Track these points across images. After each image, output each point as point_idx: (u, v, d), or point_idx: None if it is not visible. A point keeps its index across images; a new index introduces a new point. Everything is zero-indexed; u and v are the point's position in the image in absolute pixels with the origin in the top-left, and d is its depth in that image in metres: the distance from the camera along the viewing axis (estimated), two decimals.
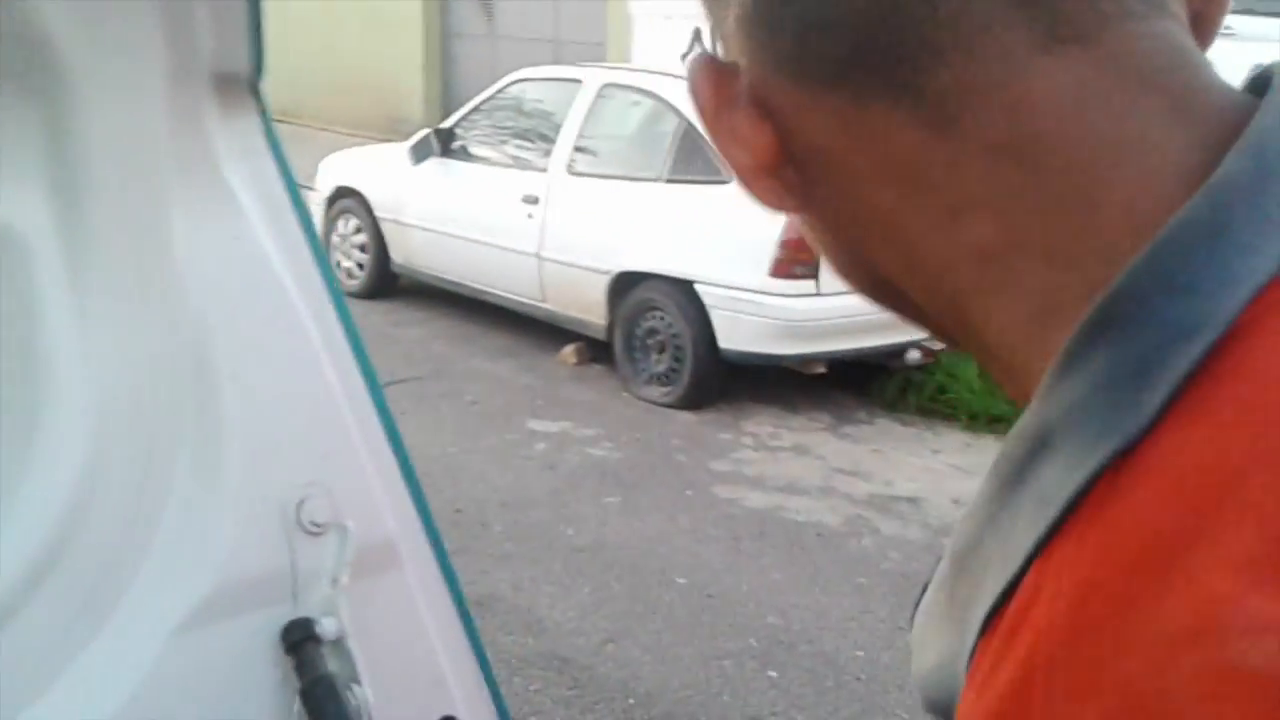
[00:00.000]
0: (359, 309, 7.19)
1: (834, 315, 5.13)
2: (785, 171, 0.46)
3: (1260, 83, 0.43)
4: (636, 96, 5.94)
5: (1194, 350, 0.37)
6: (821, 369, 5.46)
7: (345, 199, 7.39)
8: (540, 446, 5.09)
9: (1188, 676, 0.32)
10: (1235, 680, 0.31)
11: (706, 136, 0.48)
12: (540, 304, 6.19)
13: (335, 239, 7.49)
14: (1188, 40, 0.43)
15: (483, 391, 5.77)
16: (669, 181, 5.54)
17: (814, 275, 5.11)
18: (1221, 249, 0.38)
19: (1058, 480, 0.38)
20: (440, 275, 6.86)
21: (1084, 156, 0.41)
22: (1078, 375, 0.39)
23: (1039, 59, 0.41)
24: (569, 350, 6.16)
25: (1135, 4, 0.41)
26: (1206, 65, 0.43)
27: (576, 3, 12.58)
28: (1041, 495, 0.38)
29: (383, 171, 7.16)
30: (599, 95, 6.04)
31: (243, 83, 1.02)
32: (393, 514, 1.10)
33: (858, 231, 0.46)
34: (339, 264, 7.47)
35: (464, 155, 6.68)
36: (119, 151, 0.92)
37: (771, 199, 0.47)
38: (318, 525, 1.02)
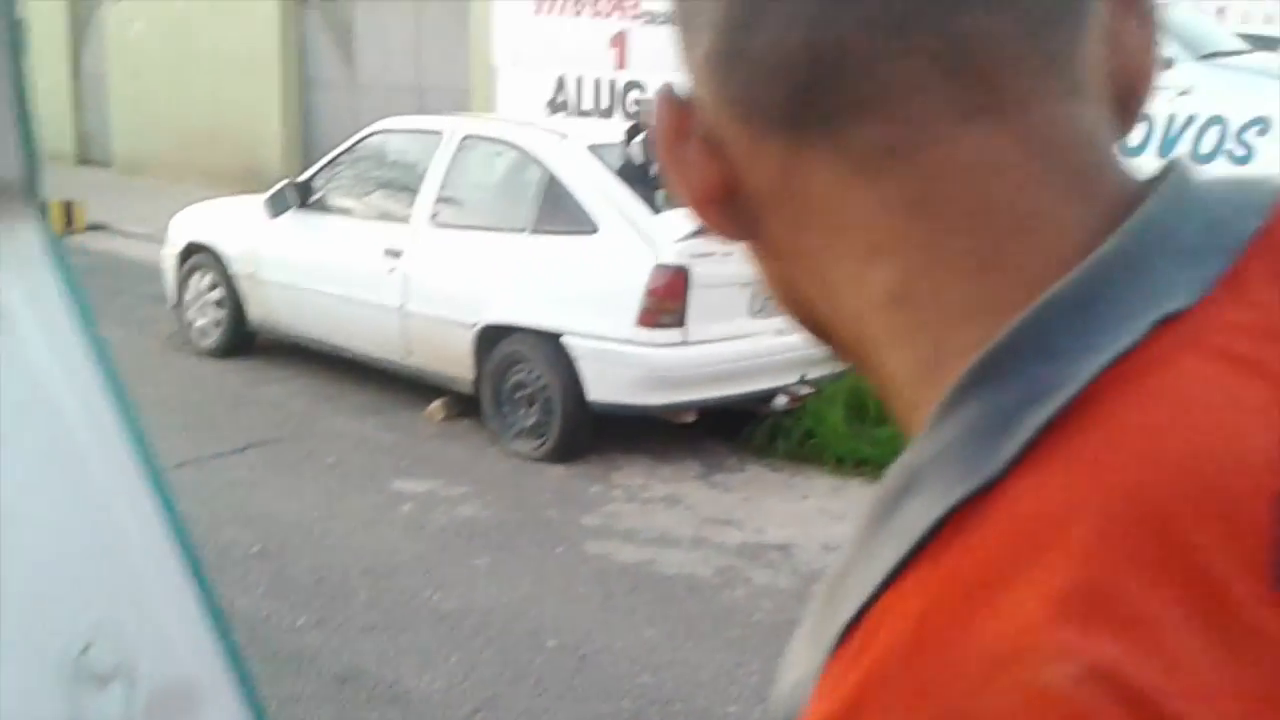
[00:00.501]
0: (215, 369, 6.97)
1: (701, 364, 5.13)
2: (731, 204, 0.49)
3: (1163, 173, 0.46)
4: (499, 147, 5.88)
5: (1048, 408, 0.41)
6: (691, 417, 5.44)
7: (198, 255, 7.15)
8: (406, 508, 4.95)
9: (1001, 696, 0.36)
10: (1040, 701, 0.35)
11: (661, 164, 0.51)
12: (405, 359, 6.05)
13: (189, 297, 7.23)
14: (1100, 125, 0.46)
15: (345, 452, 5.60)
16: (534, 232, 5.48)
17: (680, 324, 5.11)
18: (1088, 320, 0.42)
19: (917, 516, 0.41)
20: (300, 332, 6.67)
21: (989, 222, 0.44)
22: (951, 422, 0.43)
23: (961, 126, 0.44)
24: (436, 405, 6.03)
25: (1054, 85, 0.44)
26: (1112, 150, 0.46)
27: (439, 50, 12.50)
28: (903, 529, 0.42)
29: (238, 226, 6.94)
30: (461, 146, 5.96)
31: (13, 190, 0.91)
32: (192, 652, 1.00)
33: (792, 268, 0.49)
34: (193, 322, 7.21)
35: (323, 208, 6.52)
36: None
37: (717, 228, 0.50)
38: (104, 673, 0.91)
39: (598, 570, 4.37)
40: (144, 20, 15.58)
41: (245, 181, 12.23)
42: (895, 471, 0.44)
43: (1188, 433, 0.40)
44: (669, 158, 0.50)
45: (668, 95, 0.50)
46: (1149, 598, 0.37)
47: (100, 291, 9.03)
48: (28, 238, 0.93)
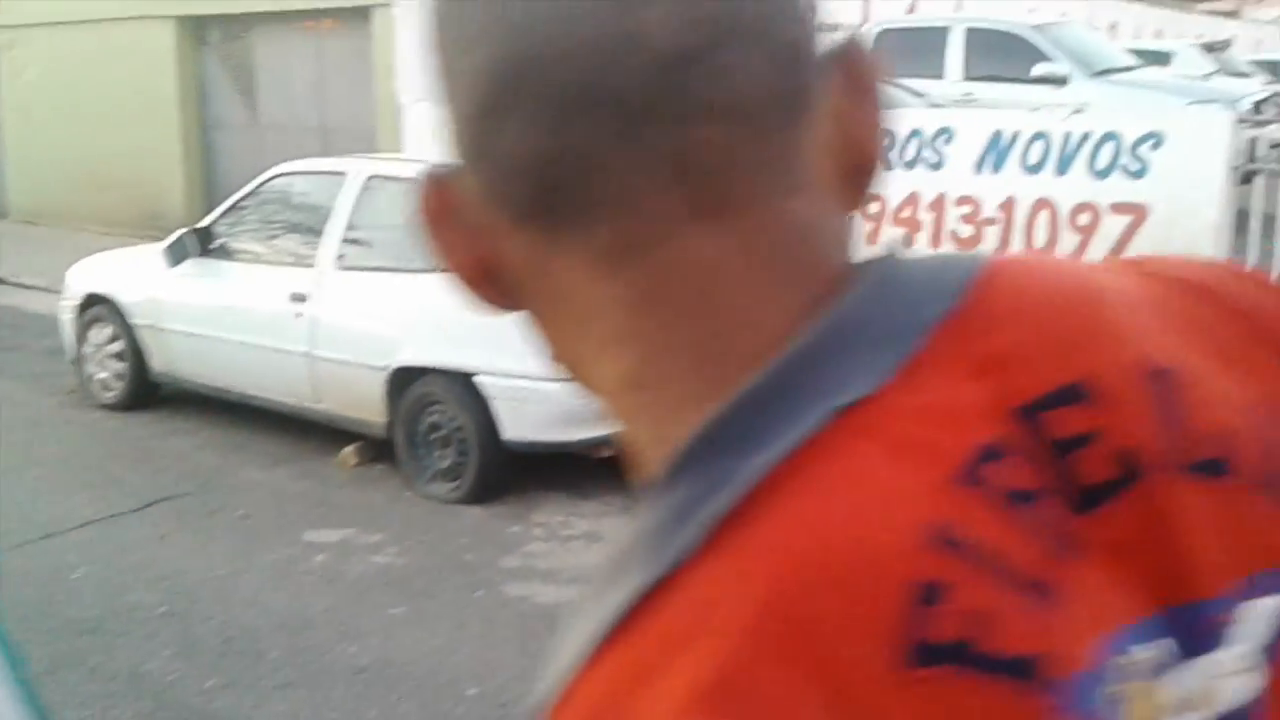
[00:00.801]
0: (117, 423, 6.75)
1: None
2: (495, 280, 0.51)
3: (872, 260, 0.49)
4: (403, 187, 5.79)
5: (723, 501, 0.44)
6: (610, 451, 5.38)
7: (97, 306, 6.93)
8: (319, 559, 4.81)
9: None
10: None
11: (425, 240, 0.52)
12: (315, 405, 5.91)
13: (89, 350, 7.01)
14: (822, 215, 0.49)
15: (255, 504, 5.44)
16: (444, 271, 5.39)
17: None
18: (769, 413, 0.45)
19: (616, 599, 0.44)
20: (205, 381, 6.49)
21: (710, 317, 0.48)
22: (654, 508, 0.46)
23: (689, 226, 0.47)
24: (348, 451, 5.90)
25: (776, 184, 0.47)
26: (833, 238, 0.49)
27: (342, 88, 12.36)
28: (604, 609, 0.44)
29: (137, 275, 6.75)
30: (365, 187, 5.86)
31: None
32: None
33: (554, 340, 0.52)
34: (94, 375, 6.99)
35: (225, 254, 6.36)
36: None
37: (484, 301, 0.53)
38: None
39: (517, 614, 4.28)
40: (37, 66, 15.20)
41: (147, 228, 11.95)
42: (616, 546, 0.47)
43: (834, 524, 0.43)
44: (434, 235, 0.52)
45: (432, 174, 0.52)
46: (787, 688, 0.40)
47: None
48: None
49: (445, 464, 5.38)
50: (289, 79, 12.85)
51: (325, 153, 11.50)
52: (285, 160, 6.67)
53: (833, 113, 0.49)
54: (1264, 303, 0.55)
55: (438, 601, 4.38)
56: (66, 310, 7.21)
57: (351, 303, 5.69)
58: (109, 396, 6.94)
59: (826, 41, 0.50)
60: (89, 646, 4.01)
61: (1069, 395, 0.47)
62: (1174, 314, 0.52)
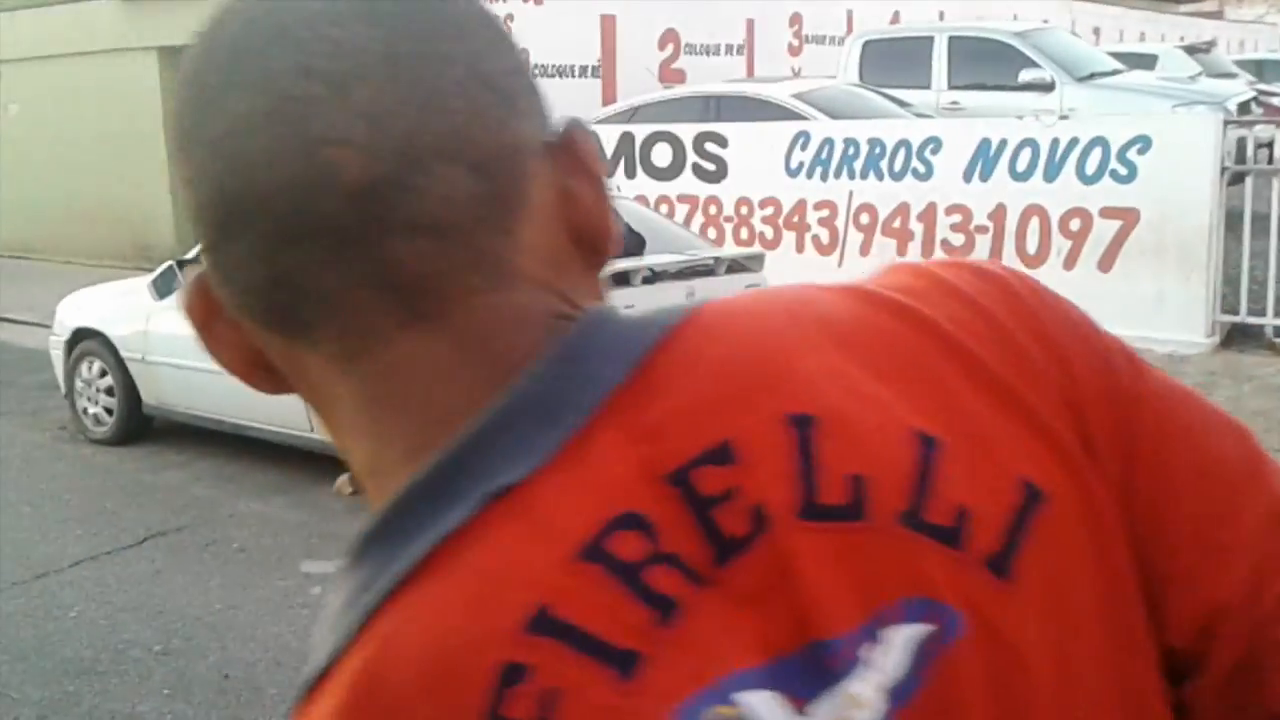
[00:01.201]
0: (110, 457, 6.70)
1: None
2: (265, 368, 0.55)
3: (567, 332, 0.53)
4: None
5: (377, 588, 0.48)
6: None
7: (87, 340, 6.90)
8: (316, 590, 4.76)
9: None
10: None
11: (197, 338, 0.56)
12: (308, 433, 5.87)
13: (79, 384, 6.97)
14: (535, 300, 0.52)
15: (251, 536, 5.39)
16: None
17: None
18: (432, 500, 0.49)
19: (316, 662, 0.50)
20: (197, 413, 6.45)
21: (420, 414, 0.51)
22: (342, 586, 0.51)
23: (399, 333, 0.51)
24: (344, 479, 5.85)
25: (483, 282, 0.51)
26: (541, 322, 0.52)
27: None
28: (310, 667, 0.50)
29: (125, 308, 6.72)
30: None
31: None
32: None
33: (325, 427, 0.56)
34: (85, 410, 6.95)
35: None
36: None
37: (262, 388, 0.56)
38: None
39: None
40: (20, 102, 15.20)
41: (137, 259, 11.94)
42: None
43: (446, 611, 0.47)
44: (203, 334, 0.56)
45: (198, 279, 0.55)
46: None
47: None
48: None
49: None
50: None
51: None
52: None
53: (558, 194, 0.53)
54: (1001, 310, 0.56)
55: None
56: (56, 345, 7.17)
57: None
58: (101, 431, 6.90)
59: (539, 131, 0.53)
60: (84, 688, 3.95)
61: (715, 455, 0.49)
62: (866, 342, 0.54)
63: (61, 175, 14.56)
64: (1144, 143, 6.85)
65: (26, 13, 14.75)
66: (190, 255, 6.49)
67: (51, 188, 14.76)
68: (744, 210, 8.63)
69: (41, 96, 14.78)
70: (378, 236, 0.49)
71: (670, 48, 13.82)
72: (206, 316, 0.55)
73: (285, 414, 5.88)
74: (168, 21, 12.97)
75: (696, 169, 8.84)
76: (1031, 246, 7.23)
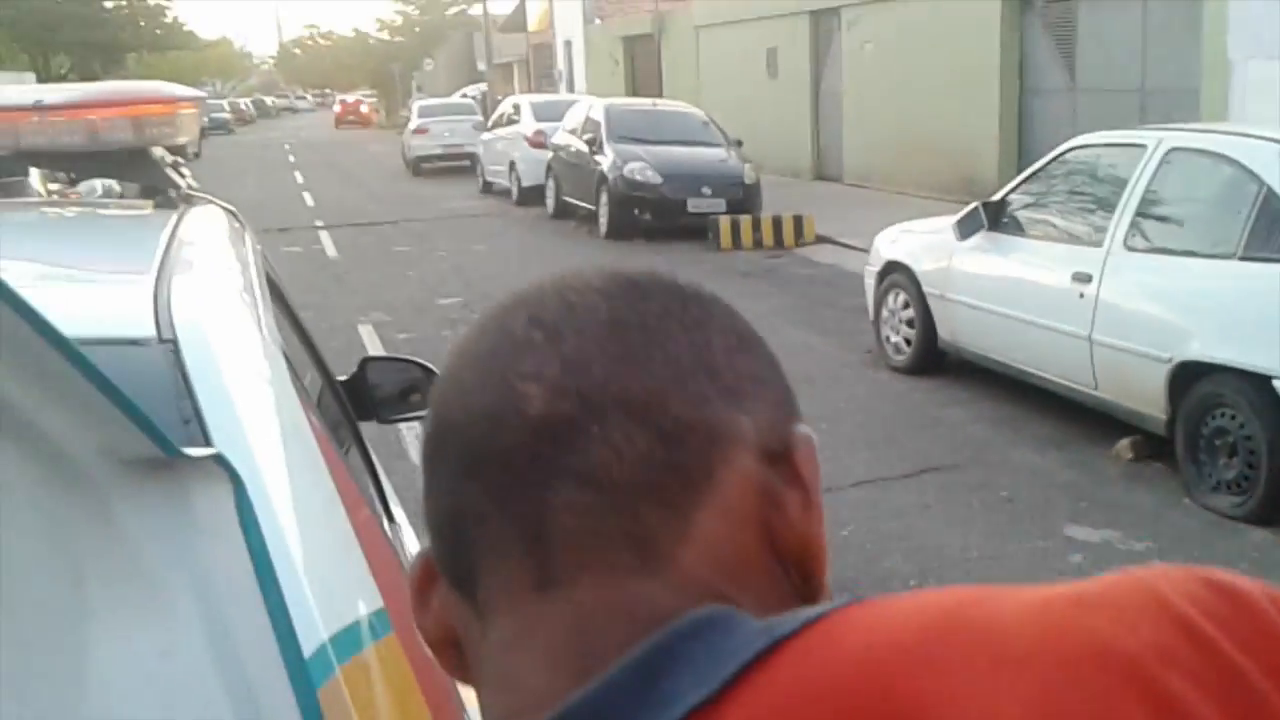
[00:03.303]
0: (904, 386, 7.08)
1: None
2: (457, 649, 0.56)
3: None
4: (1208, 160, 5.23)
5: None
6: None
7: (894, 273, 7.31)
8: (1076, 558, 4.60)
9: None
10: None
11: (413, 610, 0.58)
12: (1092, 391, 5.64)
13: (885, 313, 7.43)
14: (667, 599, 0.50)
15: (1020, 486, 5.35)
16: (1243, 259, 4.79)
17: None
18: None
19: None
20: (986, 354, 6.52)
21: (512, 694, 0.51)
22: None
23: (529, 596, 0.51)
24: (1124, 444, 5.54)
25: (626, 558, 0.50)
26: (642, 625, 0.49)
27: (1166, 48, 11.48)
28: None
29: (932, 245, 6.98)
30: (1164, 161, 5.40)
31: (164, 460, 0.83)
32: None
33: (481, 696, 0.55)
34: (888, 338, 7.40)
35: (1013, 228, 6.31)
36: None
37: (448, 668, 0.58)
38: None
39: None
40: (875, 40, 16.35)
41: (963, 194, 12.30)
42: None
43: None
44: (417, 603, 0.57)
45: (423, 550, 0.57)
46: None
47: (814, 302, 9.66)
48: (205, 509, 0.83)
49: (1230, 475, 4.81)
50: (1111, 40, 12.28)
51: (1144, 118, 10.85)
52: (1101, 126, 6.42)
53: (761, 496, 0.52)
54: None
55: None
56: (869, 274, 7.70)
57: (1138, 286, 5.30)
58: (899, 360, 7.29)
59: (760, 429, 0.53)
60: None
61: None
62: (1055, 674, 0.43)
63: (903, 110, 15.48)
64: None
65: None
66: (995, 198, 6.53)
67: (894, 122, 15.78)
68: None
69: (892, 35, 15.78)
70: (544, 478, 0.50)
71: None
72: (424, 583, 0.57)
73: (1071, 367, 5.71)
74: None
75: None
76: None
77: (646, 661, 0.48)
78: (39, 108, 1.68)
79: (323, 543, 1.00)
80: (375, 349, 8.21)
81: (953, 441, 6.03)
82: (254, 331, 1.16)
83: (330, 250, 13.46)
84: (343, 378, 2.56)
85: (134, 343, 1.01)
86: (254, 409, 1.02)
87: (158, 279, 1.15)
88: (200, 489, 0.82)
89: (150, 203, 1.71)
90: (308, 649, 0.83)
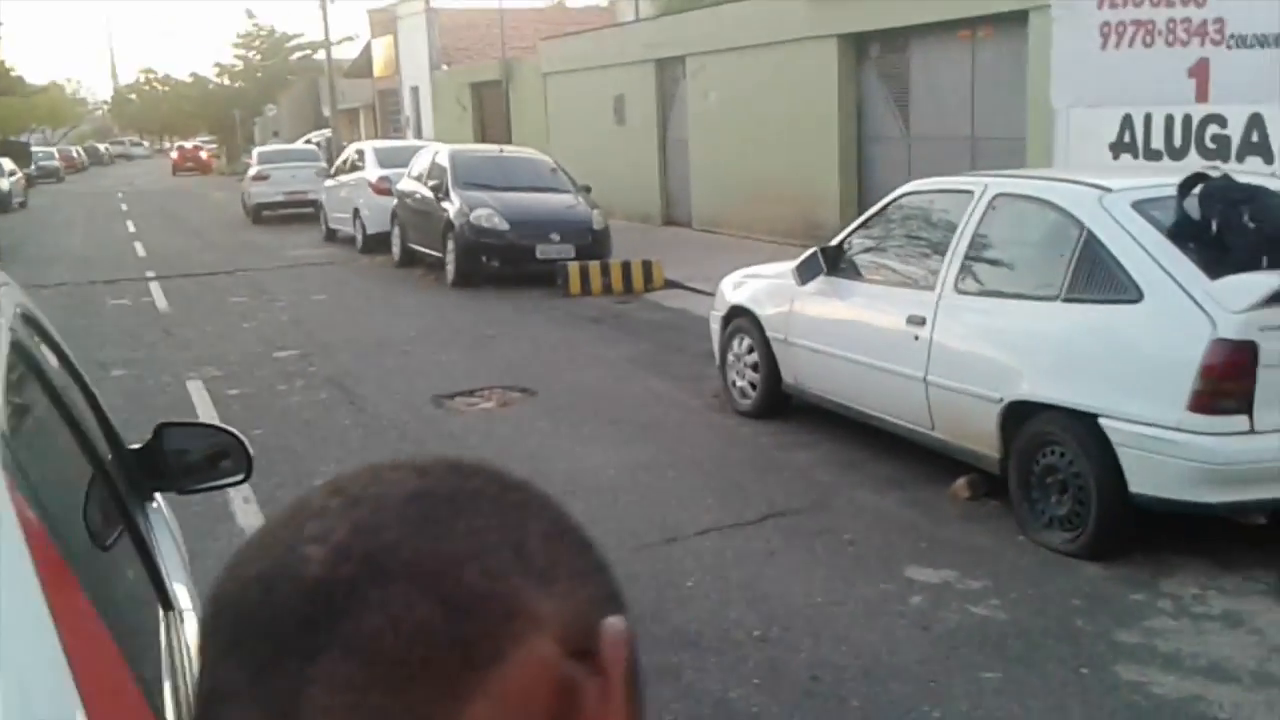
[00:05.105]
0: (749, 430, 7.07)
1: (1273, 458, 4.26)
2: None
3: None
4: (1032, 206, 5.37)
5: None
6: (1261, 519, 4.55)
7: (739, 318, 7.33)
8: (916, 600, 4.60)
9: None
10: None
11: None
12: (928, 431, 5.70)
13: (730, 358, 7.44)
14: None
15: (862, 529, 5.36)
16: (1067, 300, 4.91)
17: (1244, 410, 4.29)
18: None
19: None
20: (828, 397, 6.57)
21: None
22: None
23: None
24: (961, 483, 5.61)
25: None
26: None
27: (994, 98, 11.97)
28: None
29: (774, 290, 7.02)
30: (991, 206, 5.53)
31: None
32: None
33: None
34: (734, 383, 7.40)
35: (851, 273, 6.39)
36: None
37: None
38: None
39: (1128, 703, 3.74)
40: (719, 88, 16.60)
41: (807, 238, 12.51)
42: None
43: None
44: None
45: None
46: None
47: (662, 347, 9.63)
48: None
49: (1061, 511, 4.90)
50: (941, 90, 12.73)
51: (974, 164, 11.24)
52: (934, 172, 6.56)
53: (556, 685, 0.48)
54: None
55: (1036, 672, 3.96)
56: (715, 319, 7.71)
57: (969, 328, 5.40)
58: (745, 404, 7.29)
59: (568, 615, 0.49)
60: (686, 662, 4.15)
61: None
62: None
63: (747, 157, 15.74)
64: None
65: (729, 7, 16.06)
66: (833, 243, 6.60)
67: (739, 168, 16.02)
68: None
69: (734, 84, 16.05)
70: (309, 649, 0.45)
71: None
72: None
73: (908, 408, 5.77)
74: (851, 11, 13.38)
75: None
76: None
77: None
78: None
79: (7, 669, 0.85)
80: (204, 406, 7.84)
81: (797, 485, 6.02)
82: None
83: (161, 302, 12.90)
84: (136, 446, 2.36)
85: None
86: None
87: None
88: None
89: None
90: None
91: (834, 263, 6.45)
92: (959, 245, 5.57)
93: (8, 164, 28.96)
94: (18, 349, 1.57)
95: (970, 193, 5.70)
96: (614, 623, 0.51)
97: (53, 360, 1.98)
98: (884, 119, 13.77)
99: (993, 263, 5.48)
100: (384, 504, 0.49)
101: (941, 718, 3.72)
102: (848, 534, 5.33)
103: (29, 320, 1.84)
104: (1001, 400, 5.10)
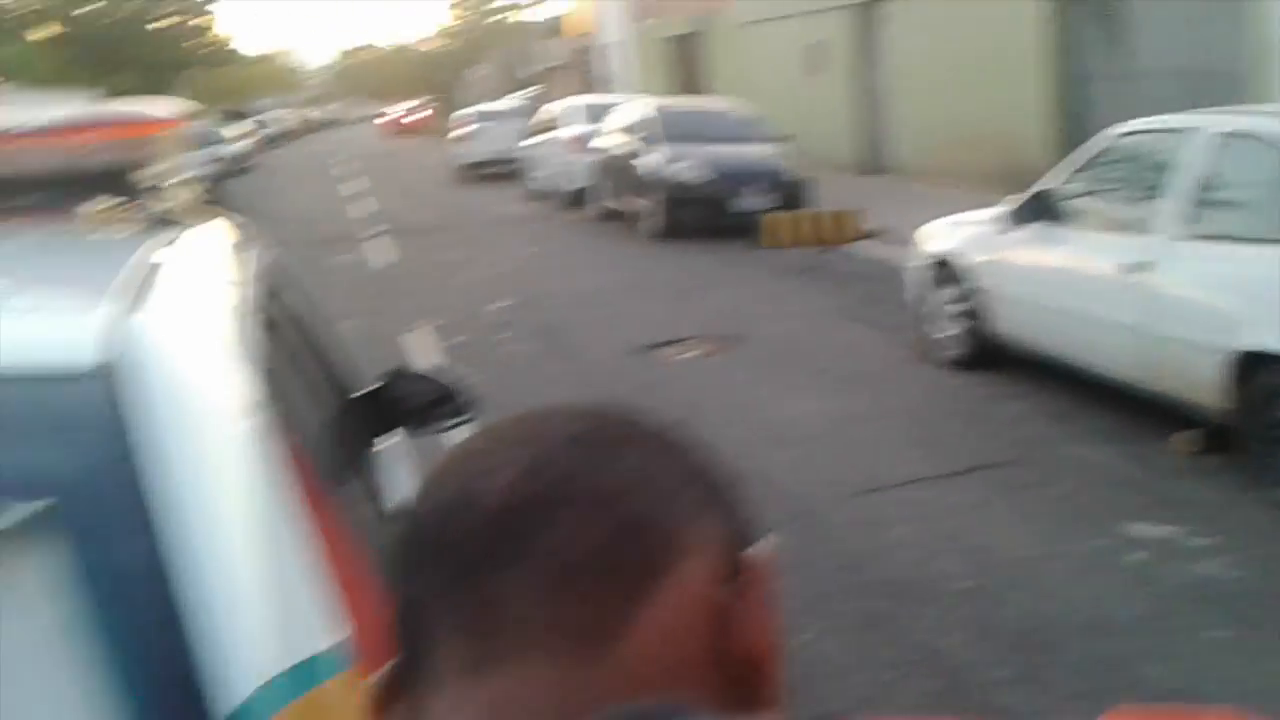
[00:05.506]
0: (955, 381, 6.93)
1: None
2: None
3: None
4: (1262, 145, 5.04)
5: None
6: None
7: (943, 267, 7.16)
8: (1136, 556, 4.44)
9: None
10: None
11: None
12: (1149, 383, 5.46)
13: (935, 308, 7.29)
14: (600, 687, 0.51)
15: (1076, 483, 5.20)
16: None
17: None
18: None
19: None
20: (1039, 348, 6.36)
21: None
22: None
23: (453, 680, 0.53)
24: (1183, 437, 5.36)
25: (557, 641, 0.51)
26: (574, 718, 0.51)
27: (1219, 31, 11.16)
28: None
29: (980, 237, 6.83)
30: (1218, 146, 5.21)
31: None
32: None
33: None
34: (938, 332, 7.25)
35: (1064, 218, 6.15)
36: None
37: None
38: None
39: None
40: (920, 31, 16.12)
41: (1012, 183, 12.04)
42: None
43: None
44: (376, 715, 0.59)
45: (379, 673, 0.57)
46: None
47: (863, 298, 9.51)
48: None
49: None
50: (1159, 24, 11.98)
51: (1195, 101, 10.57)
52: (1149, 111, 6.25)
53: (710, 602, 0.54)
54: None
55: (1265, 633, 3.79)
56: (918, 269, 7.56)
57: (1194, 274, 5.13)
58: (950, 355, 7.15)
59: (718, 541, 0.55)
60: (893, 611, 4.14)
61: None
62: None
63: (946, 101, 15.25)
64: None
65: None
66: (1044, 188, 6.37)
67: (937, 113, 15.55)
68: None
69: (931, 27, 15.54)
70: (497, 563, 0.52)
71: None
72: (381, 704, 0.57)
73: (1126, 359, 5.54)
74: None
75: None
76: None
77: None
78: (11, 134, 1.64)
79: (271, 579, 0.94)
80: (424, 356, 8.20)
81: (1006, 438, 5.88)
82: (219, 360, 1.11)
83: (379, 260, 13.52)
84: (368, 390, 2.52)
85: (72, 375, 0.95)
86: (200, 445, 0.96)
87: (118, 305, 1.10)
88: (16, 560, 0.76)
89: (139, 224, 1.66)
90: (238, 695, 0.78)
91: (1045, 208, 6.23)
92: (1182, 187, 5.28)
93: (235, 130, 30.76)
94: (273, 292, 1.70)
95: (1194, 131, 5.39)
96: (759, 550, 0.57)
97: (300, 305, 2.13)
98: (1093, 56, 13.08)
99: (1221, 205, 5.18)
100: (557, 441, 0.55)
101: (1164, 675, 3.60)
102: (1060, 488, 5.18)
103: (280, 268, 1.99)
104: (1231, 350, 4.83)
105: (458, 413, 2.57)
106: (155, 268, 1.28)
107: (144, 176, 1.69)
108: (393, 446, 2.53)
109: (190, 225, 1.62)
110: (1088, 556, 4.49)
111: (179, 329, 1.13)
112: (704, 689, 0.53)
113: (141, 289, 1.16)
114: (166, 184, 1.80)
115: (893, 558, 4.60)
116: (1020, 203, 6.38)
